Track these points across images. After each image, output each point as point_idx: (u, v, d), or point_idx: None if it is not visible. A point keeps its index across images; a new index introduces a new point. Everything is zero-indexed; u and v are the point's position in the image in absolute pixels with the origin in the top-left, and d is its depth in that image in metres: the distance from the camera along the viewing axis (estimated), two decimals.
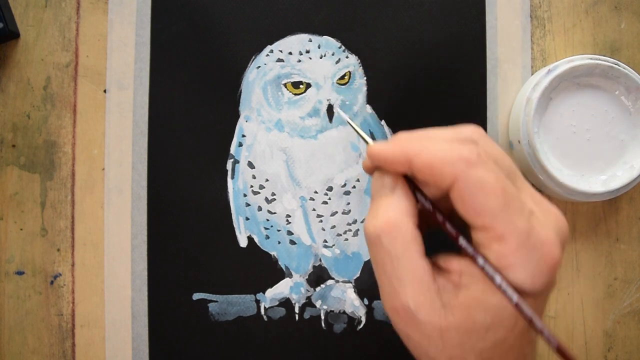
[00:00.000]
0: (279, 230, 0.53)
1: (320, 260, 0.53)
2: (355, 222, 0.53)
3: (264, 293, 0.53)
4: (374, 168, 0.35)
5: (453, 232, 0.33)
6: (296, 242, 0.53)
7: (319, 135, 0.52)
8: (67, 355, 0.53)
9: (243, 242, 0.53)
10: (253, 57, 0.52)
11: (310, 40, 0.52)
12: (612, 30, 0.53)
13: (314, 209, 0.53)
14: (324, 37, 0.52)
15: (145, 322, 0.53)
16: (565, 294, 0.53)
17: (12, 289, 0.53)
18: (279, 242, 0.53)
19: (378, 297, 0.53)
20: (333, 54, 0.52)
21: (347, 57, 0.52)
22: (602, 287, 0.53)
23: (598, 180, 0.50)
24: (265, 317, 0.53)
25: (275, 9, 0.53)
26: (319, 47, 0.52)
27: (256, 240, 0.53)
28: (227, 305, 0.53)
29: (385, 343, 0.53)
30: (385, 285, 0.33)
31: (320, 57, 0.52)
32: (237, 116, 0.53)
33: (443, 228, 0.34)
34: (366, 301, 0.53)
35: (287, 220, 0.53)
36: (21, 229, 0.53)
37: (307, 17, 0.53)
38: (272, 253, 0.53)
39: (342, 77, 0.52)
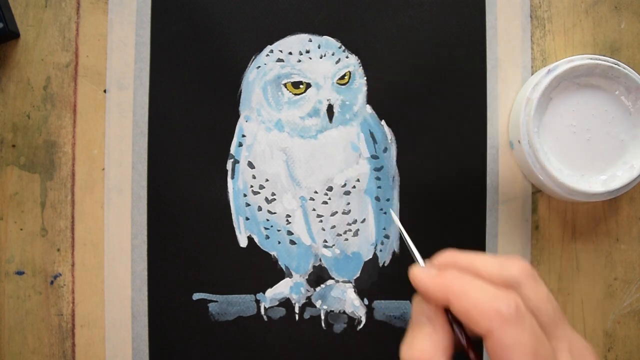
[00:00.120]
0: (279, 230, 0.53)
1: (320, 260, 0.53)
2: (355, 222, 0.53)
3: (264, 293, 0.53)
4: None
5: None
6: (296, 242, 0.53)
7: (319, 135, 0.52)
8: (67, 355, 0.53)
9: (243, 242, 0.53)
10: (253, 57, 0.52)
11: (310, 40, 0.52)
12: (612, 30, 0.53)
13: (314, 209, 0.52)
14: (324, 37, 0.52)
15: (145, 322, 0.53)
16: (565, 294, 0.53)
17: (12, 289, 0.53)
18: (279, 242, 0.53)
19: (378, 297, 0.53)
20: (333, 54, 0.52)
21: (347, 57, 0.52)
22: (602, 287, 0.53)
23: (598, 180, 0.50)
24: (265, 317, 0.53)
25: (275, 9, 0.53)
26: (319, 47, 0.52)
27: (256, 240, 0.53)
28: (227, 305, 0.53)
29: (385, 343, 0.53)
30: None
31: (320, 57, 0.52)
32: (237, 116, 0.53)
33: None
34: (366, 301, 0.53)
35: (287, 220, 0.53)
36: (21, 229, 0.53)
37: (307, 17, 0.53)
38: (272, 253, 0.53)
39: (342, 77, 0.52)
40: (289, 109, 0.52)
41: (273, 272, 0.53)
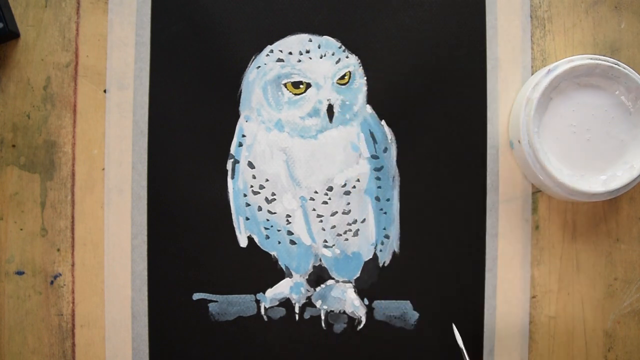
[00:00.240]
0: (279, 230, 0.53)
1: (321, 260, 0.53)
2: (355, 222, 0.53)
3: (264, 293, 0.53)
4: None
5: None
6: (296, 242, 0.53)
7: (319, 135, 0.52)
8: (67, 355, 0.53)
9: (243, 242, 0.53)
10: (253, 57, 0.52)
11: (311, 40, 0.52)
12: (612, 30, 0.53)
13: (314, 209, 0.52)
14: (324, 37, 0.52)
15: (145, 322, 0.53)
16: (565, 294, 0.53)
17: (12, 289, 0.53)
18: (279, 242, 0.53)
19: (378, 297, 0.53)
20: (333, 54, 0.52)
21: (347, 57, 0.52)
22: (602, 287, 0.53)
23: (598, 180, 0.50)
24: (265, 317, 0.53)
25: (275, 9, 0.53)
26: (319, 47, 0.52)
27: (256, 240, 0.53)
28: (227, 305, 0.53)
29: (385, 343, 0.53)
30: None
31: (321, 57, 0.52)
32: (237, 116, 0.53)
33: None
34: (366, 301, 0.53)
35: (287, 220, 0.53)
36: (21, 229, 0.53)
37: (307, 17, 0.53)
38: (272, 253, 0.53)
39: (342, 77, 0.52)
40: (289, 109, 0.52)
41: (273, 272, 0.53)
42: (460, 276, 0.53)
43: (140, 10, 0.53)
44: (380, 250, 0.53)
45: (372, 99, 0.53)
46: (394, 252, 0.53)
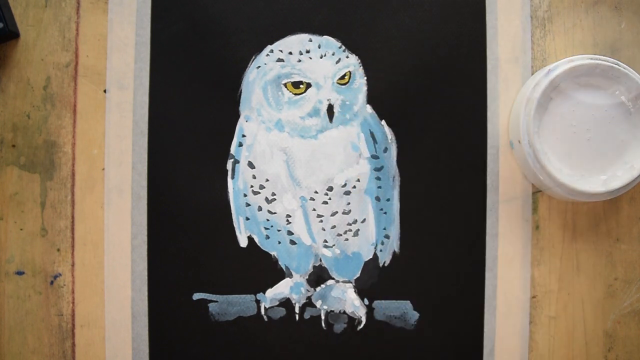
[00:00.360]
0: (279, 230, 0.53)
1: (321, 260, 0.53)
2: (355, 222, 0.53)
3: (264, 293, 0.53)
4: None
5: None
6: (296, 242, 0.53)
7: (319, 135, 0.52)
8: (67, 355, 0.53)
9: (243, 242, 0.53)
10: (253, 57, 0.52)
11: (311, 40, 0.52)
12: (612, 30, 0.53)
13: (314, 209, 0.52)
14: (324, 37, 0.52)
15: (145, 322, 0.53)
16: (565, 294, 0.53)
17: (12, 289, 0.53)
18: (279, 242, 0.53)
19: (378, 297, 0.53)
20: (333, 54, 0.52)
21: (347, 57, 0.52)
22: (602, 287, 0.53)
23: (598, 180, 0.50)
24: (265, 317, 0.53)
25: (275, 9, 0.53)
26: (319, 47, 0.52)
27: (256, 240, 0.53)
28: (227, 305, 0.53)
29: (385, 343, 0.53)
30: None
31: (321, 57, 0.52)
32: (237, 116, 0.53)
33: None
34: (366, 301, 0.53)
35: (287, 220, 0.53)
36: (21, 229, 0.53)
37: (307, 17, 0.53)
38: (272, 253, 0.53)
39: (343, 77, 0.52)
40: (289, 109, 0.52)
41: (273, 272, 0.53)
42: (460, 276, 0.53)
43: (140, 10, 0.53)
44: (381, 250, 0.53)
45: (372, 99, 0.53)
46: (394, 252, 0.53)
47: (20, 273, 0.53)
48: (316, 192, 0.52)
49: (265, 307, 0.53)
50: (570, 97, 0.50)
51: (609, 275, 0.53)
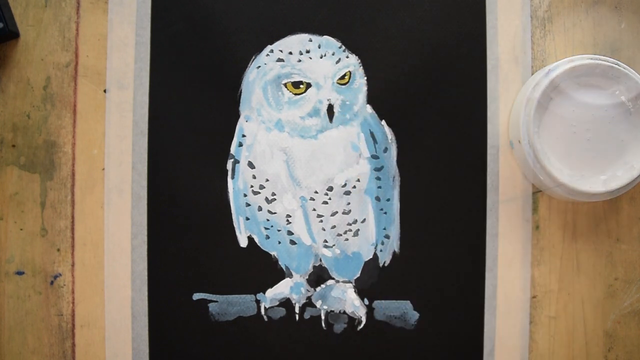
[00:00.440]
0: (279, 230, 0.53)
1: (321, 260, 0.53)
2: (355, 222, 0.53)
3: (264, 293, 0.53)
4: None
5: None
6: (296, 242, 0.53)
7: (319, 135, 0.52)
8: (67, 356, 0.53)
9: (243, 242, 0.53)
10: (253, 57, 0.52)
11: (311, 40, 0.52)
12: (612, 30, 0.53)
13: (314, 209, 0.52)
14: (324, 36, 0.52)
15: (145, 322, 0.53)
16: (565, 294, 0.53)
17: (12, 289, 0.53)
18: (279, 242, 0.53)
19: (378, 297, 0.53)
20: (333, 54, 0.52)
21: (347, 57, 0.52)
22: (602, 287, 0.53)
23: (598, 180, 0.50)
24: (265, 317, 0.53)
25: (275, 9, 0.53)
26: (319, 47, 0.52)
27: (256, 240, 0.53)
28: (227, 305, 0.53)
29: (385, 343, 0.53)
30: None
31: (321, 57, 0.52)
32: (237, 116, 0.53)
33: None
34: (366, 301, 0.53)
35: (288, 220, 0.53)
36: (21, 229, 0.53)
37: (307, 17, 0.53)
38: (272, 253, 0.53)
39: (343, 77, 0.52)
40: (289, 108, 0.52)
41: (273, 272, 0.53)
42: (460, 276, 0.53)
43: (140, 10, 0.53)
44: (381, 250, 0.53)
45: (372, 99, 0.53)
46: (394, 252, 0.53)
47: (20, 273, 0.53)
48: (316, 192, 0.52)
49: (265, 307, 0.53)
50: (570, 97, 0.50)
51: (609, 275, 0.53)
